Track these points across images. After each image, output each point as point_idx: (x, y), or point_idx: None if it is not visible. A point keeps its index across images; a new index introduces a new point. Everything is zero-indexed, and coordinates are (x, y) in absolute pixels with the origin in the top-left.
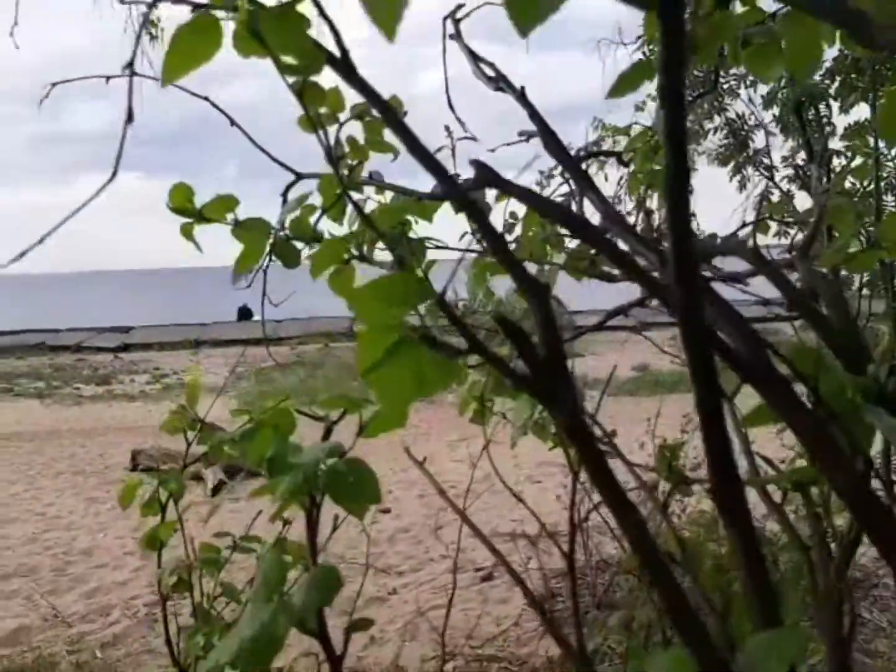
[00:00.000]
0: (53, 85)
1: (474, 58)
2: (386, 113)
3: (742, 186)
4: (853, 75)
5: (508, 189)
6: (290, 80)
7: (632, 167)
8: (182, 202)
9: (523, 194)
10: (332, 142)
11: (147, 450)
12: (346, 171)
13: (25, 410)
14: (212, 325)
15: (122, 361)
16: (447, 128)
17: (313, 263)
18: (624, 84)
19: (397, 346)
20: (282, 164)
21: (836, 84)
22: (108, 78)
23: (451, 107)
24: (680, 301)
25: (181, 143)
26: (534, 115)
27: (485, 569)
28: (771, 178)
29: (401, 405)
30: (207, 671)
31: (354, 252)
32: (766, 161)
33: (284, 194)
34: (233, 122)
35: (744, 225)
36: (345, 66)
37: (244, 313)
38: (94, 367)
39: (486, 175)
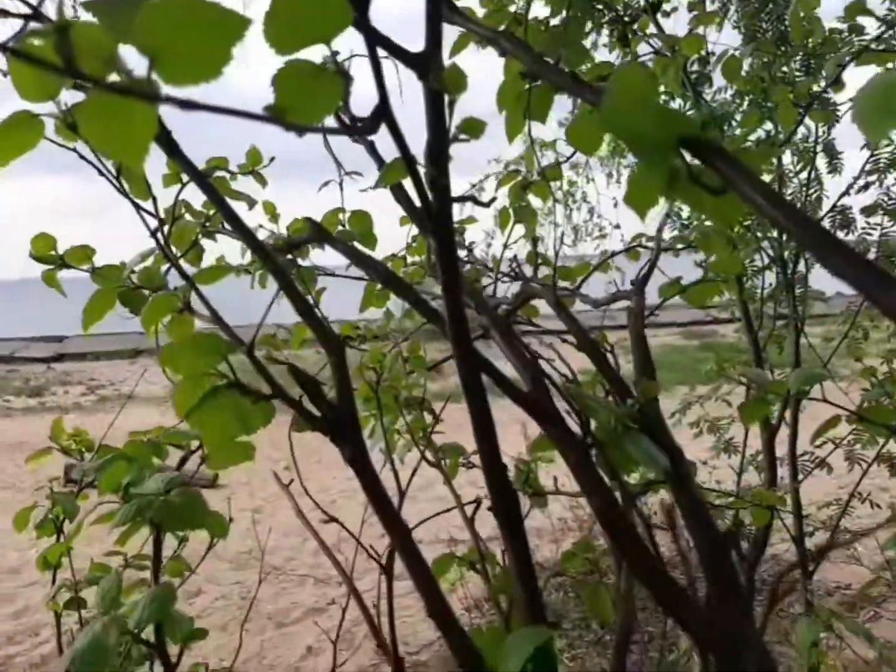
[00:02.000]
0: None
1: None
2: (202, 184)
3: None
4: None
5: (334, 246)
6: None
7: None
8: (43, 250)
9: (346, 252)
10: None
11: (80, 465)
12: (204, 221)
13: None
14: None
15: (55, 372)
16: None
17: (144, 317)
18: (388, 177)
19: (215, 391)
20: (143, 210)
21: (745, 105)
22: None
23: (331, 154)
24: (456, 354)
25: None
26: (379, 161)
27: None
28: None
29: (226, 442)
30: None
31: (181, 305)
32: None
33: (145, 256)
34: (101, 173)
35: (613, 254)
36: (167, 144)
37: None
38: (26, 379)
39: (317, 231)
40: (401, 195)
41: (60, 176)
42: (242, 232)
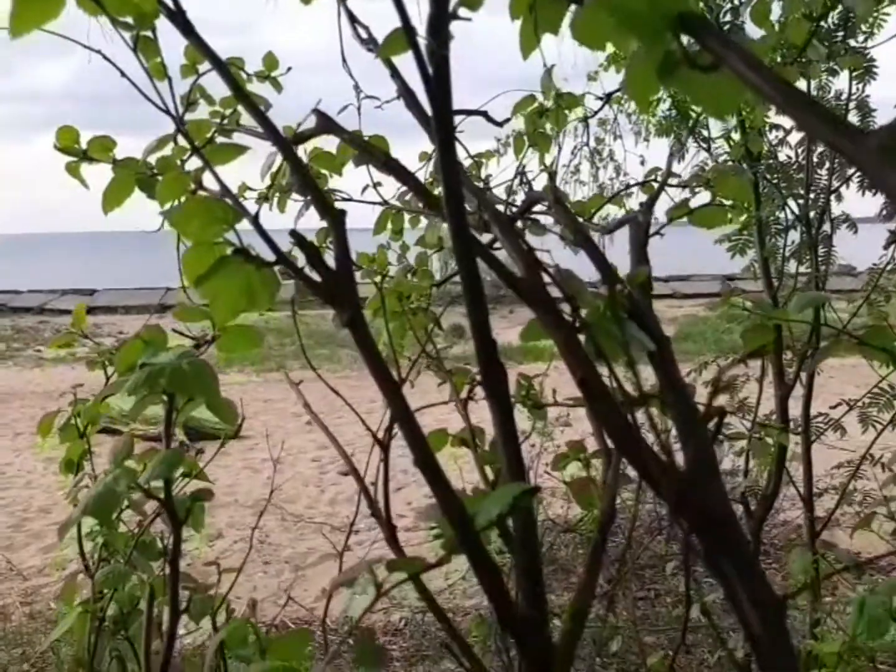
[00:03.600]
0: None
1: (352, 19)
2: (219, 66)
3: (681, 157)
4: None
5: (340, 135)
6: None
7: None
8: (68, 143)
9: (351, 139)
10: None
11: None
12: (218, 120)
13: None
14: (179, 290)
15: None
16: (356, 87)
17: (158, 194)
18: (389, 48)
19: (223, 261)
20: (163, 109)
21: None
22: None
23: (345, 63)
24: (452, 236)
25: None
26: (394, 74)
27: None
28: (708, 150)
29: (232, 315)
30: (61, 529)
31: (194, 184)
32: (705, 133)
33: (164, 141)
34: (122, 74)
35: (628, 186)
36: (182, 23)
37: None
38: (57, 329)
39: (325, 122)
40: (406, 93)
41: (88, 132)
42: (262, 120)
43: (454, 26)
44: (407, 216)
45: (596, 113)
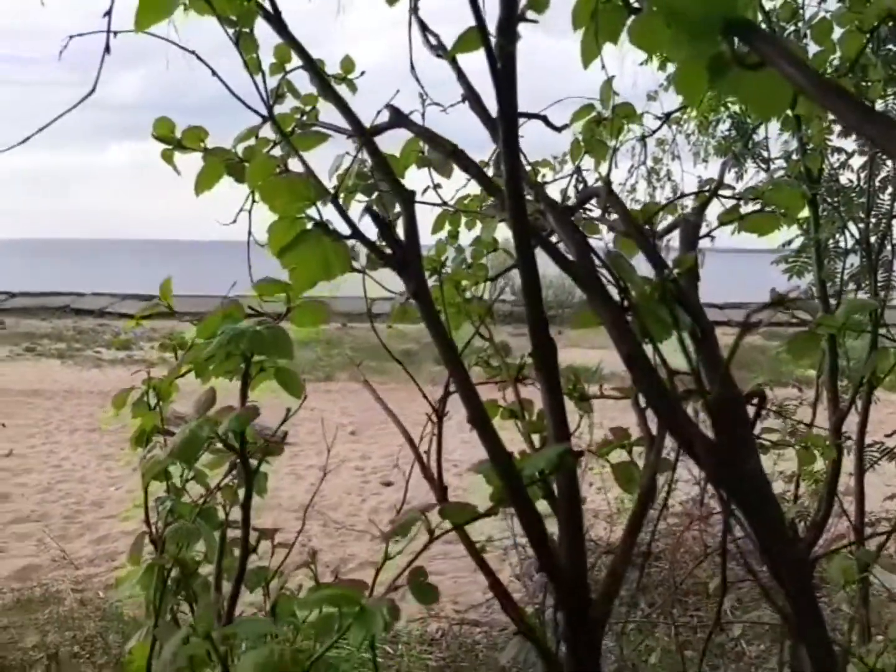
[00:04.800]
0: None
1: (422, 27)
2: (309, 63)
3: (739, 177)
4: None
5: (411, 128)
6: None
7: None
8: (165, 132)
9: (421, 132)
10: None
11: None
12: (297, 115)
13: (46, 370)
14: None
15: (143, 328)
16: (421, 95)
17: (249, 175)
18: (462, 46)
19: (304, 234)
20: (247, 105)
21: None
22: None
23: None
24: (511, 223)
25: (218, 112)
26: (461, 76)
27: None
28: (767, 170)
29: (309, 284)
30: (148, 468)
31: (280, 167)
32: (764, 153)
33: (252, 131)
34: (213, 73)
35: (682, 195)
36: (277, 22)
37: None
38: (116, 333)
39: (398, 117)
40: (471, 95)
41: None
42: (345, 111)
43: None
44: (464, 219)
45: (654, 132)
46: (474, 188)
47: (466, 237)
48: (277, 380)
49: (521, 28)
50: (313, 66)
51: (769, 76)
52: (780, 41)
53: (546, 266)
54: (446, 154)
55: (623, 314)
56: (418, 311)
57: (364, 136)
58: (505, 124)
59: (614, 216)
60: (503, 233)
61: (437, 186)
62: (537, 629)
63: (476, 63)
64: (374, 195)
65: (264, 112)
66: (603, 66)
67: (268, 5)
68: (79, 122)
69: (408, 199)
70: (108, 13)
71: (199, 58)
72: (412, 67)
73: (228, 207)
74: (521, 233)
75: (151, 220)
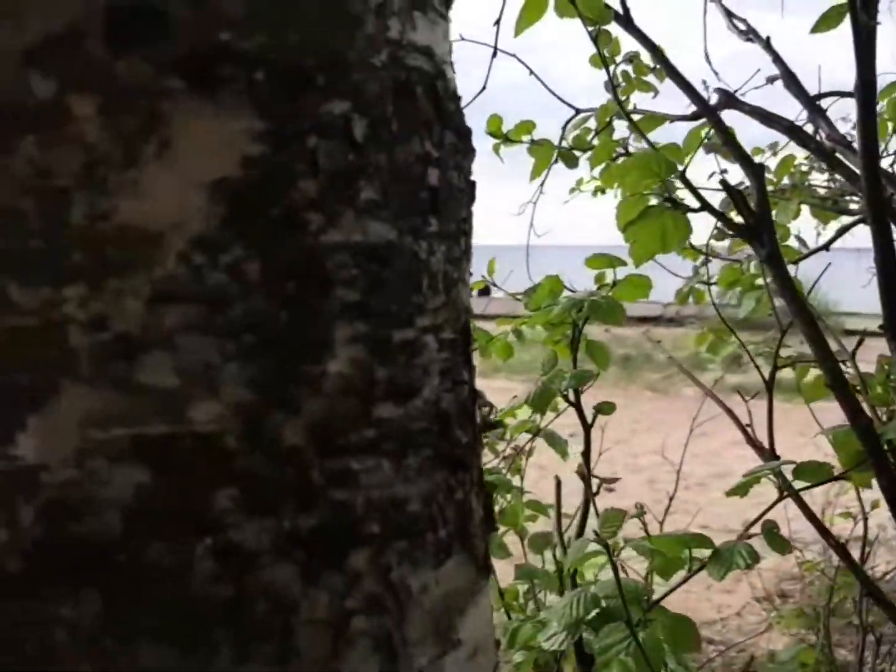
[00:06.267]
0: None
1: (728, 14)
2: (653, 50)
3: None
4: None
5: (742, 108)
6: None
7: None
8: (495, 128)
9: (755, 111)
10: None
11: None
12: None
13: None
14: None
15: None
16: (703, 81)
17: (593, 157)
18: (826, 22)
19: (648, 209)
20: (564, 102)
21: None
22: None
23: (707, 59)
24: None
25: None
26: (777, 59)
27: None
28: None
29: (647, 256)
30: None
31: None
32: None
33: (564, 126)
34: (531, 72)
35: None
36: (625, 19)
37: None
38: None
39: (727, 98)
40: (788, 75)
41: None
42: (690, 92)
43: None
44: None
45: None
46: None
47: None
48: (588, 350)
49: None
50: (661, 56)
51: None
52: None
53: None
54: (782, 130)
55: None
56: (770, 275)
57: (711, 115)
58: (863, 91)
59: None
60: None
61: (723, 172)
62: None
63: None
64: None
65: (578, 105)
66: None
67: (618, 7)
68: None
69: (758, 171)
70: None
71: (498, 50)
72: (706, 54)
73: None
74: (878, 207)
75: None
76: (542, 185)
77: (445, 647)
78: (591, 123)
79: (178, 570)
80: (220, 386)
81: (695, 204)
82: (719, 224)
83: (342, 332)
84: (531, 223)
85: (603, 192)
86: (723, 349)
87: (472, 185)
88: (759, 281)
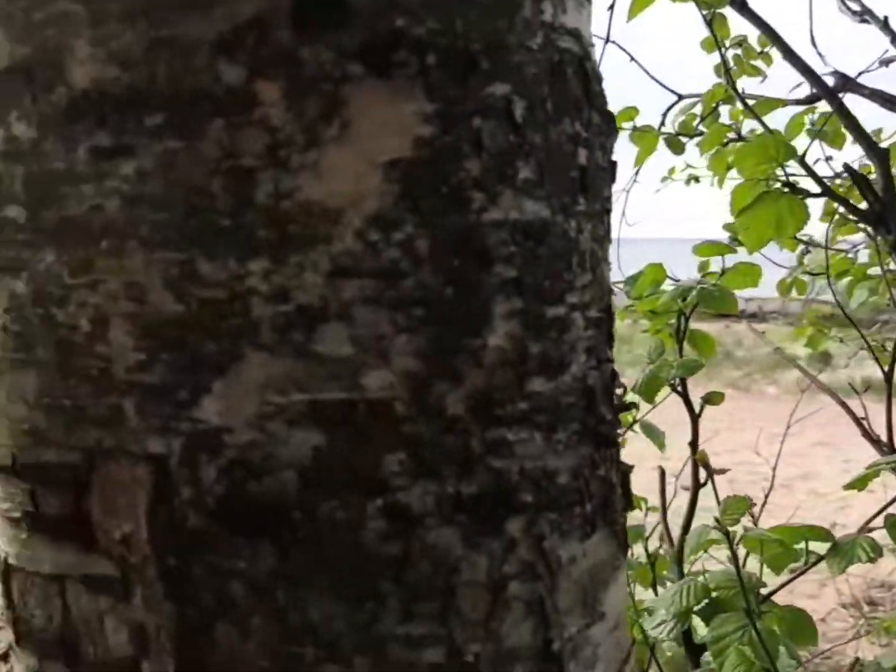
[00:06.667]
0: None
1: None
2: (768, 31)
3: None
4: None
5: (862, 92)
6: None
7: None
8: None
9: (874, 94)
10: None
11: None
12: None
13: None
14: None
15: None
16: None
17: (703, 143)
18: None
19: (763, 195)
20: (666, 87)
21: None
22: None
23: (812, 42)
24: None
25: None
26: (895, 40)
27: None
28: None
29: (760, 243)
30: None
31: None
32: None
33: (665, 113)
34: (632, 58)
35: None
36: (740, 3)
37: None
38: None
39: (844, 80)
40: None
41: None
42: (808, 74)
43: None
44: None
45: None
46: None
47: None
48: (690, 341)
49: None
50: (778, 39)
51: None
52: None
53: None
54: None
55: None
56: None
57: (833, 98)
58: None
59: None
60: None
61: (828, 159)
62: None
63: None
64: None
65: (680, 91)
66: None
67: None
68: None
69: (883, 156)
70: None
71: (607, 39)
72: (812, 40)
73: None
74: None
75: None
76: (636, 173)
77: (592, 617)
78: (696, 109)
79: (351, 528)
80: (390, 355)
81: (812, 189)
82: (840, 210)
83: (501, 307)
84: (623, 213)
85: (697, 180)
86: (821, 343)
87: (614, 165)
88: (871, 271)
